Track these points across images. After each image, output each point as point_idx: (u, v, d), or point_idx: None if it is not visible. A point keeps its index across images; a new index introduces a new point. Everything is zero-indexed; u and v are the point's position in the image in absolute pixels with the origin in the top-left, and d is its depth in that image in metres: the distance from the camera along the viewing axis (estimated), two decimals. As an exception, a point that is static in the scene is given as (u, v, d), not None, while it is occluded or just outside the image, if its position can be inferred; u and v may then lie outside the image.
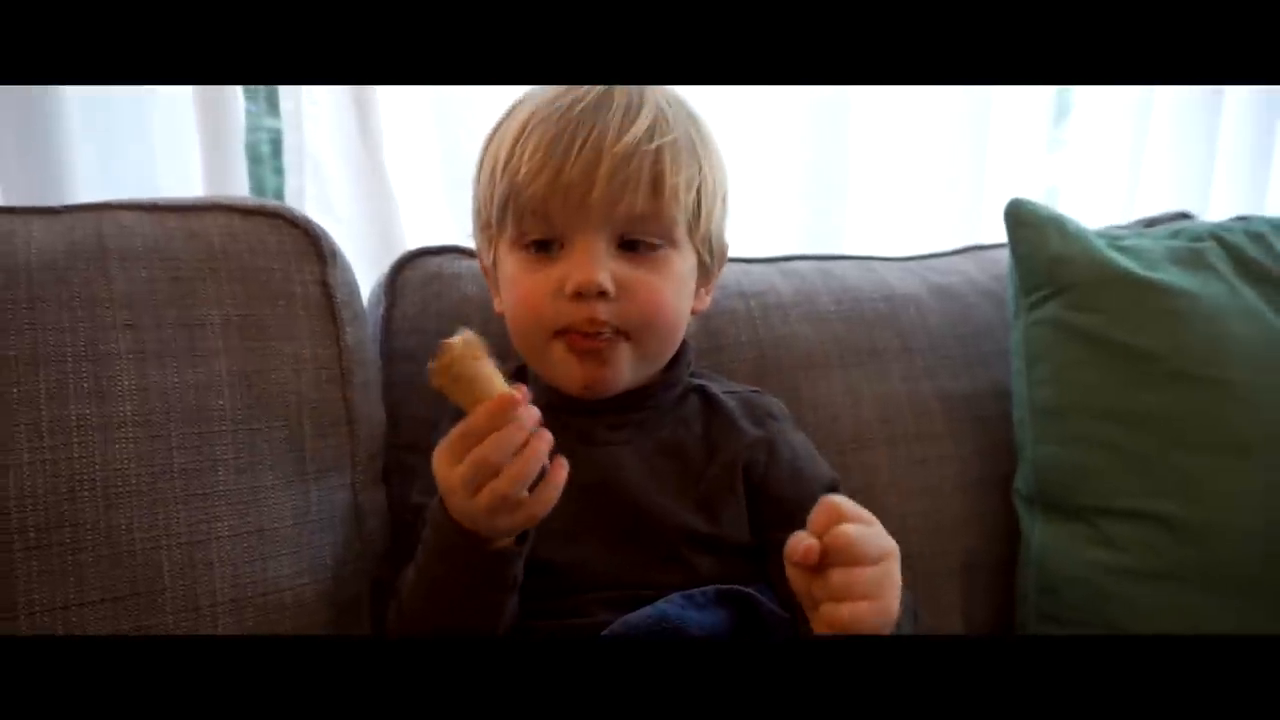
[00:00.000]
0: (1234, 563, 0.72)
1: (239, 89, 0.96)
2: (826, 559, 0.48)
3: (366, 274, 0.81)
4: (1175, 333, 0.75)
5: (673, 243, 0.63)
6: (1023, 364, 0.80)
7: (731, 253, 0.89)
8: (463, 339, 0.53)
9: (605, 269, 0.60)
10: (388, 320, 0.78)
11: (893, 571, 0.49)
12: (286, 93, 0.98)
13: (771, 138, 1.17)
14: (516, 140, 0.61)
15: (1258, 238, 0.81)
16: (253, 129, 1.05)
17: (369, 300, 0.80)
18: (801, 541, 0.48)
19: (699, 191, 0.64)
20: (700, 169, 0.64)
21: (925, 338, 0.87)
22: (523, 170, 0.60)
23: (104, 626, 0.56)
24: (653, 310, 0.62)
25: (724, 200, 0.68)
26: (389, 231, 1.01)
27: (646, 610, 0.55)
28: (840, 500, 0.50)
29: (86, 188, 0.89)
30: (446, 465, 0.54)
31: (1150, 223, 0.96)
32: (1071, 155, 1.37)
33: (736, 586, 0.59)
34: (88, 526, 0.57)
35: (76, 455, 0.57)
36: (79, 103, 0.89)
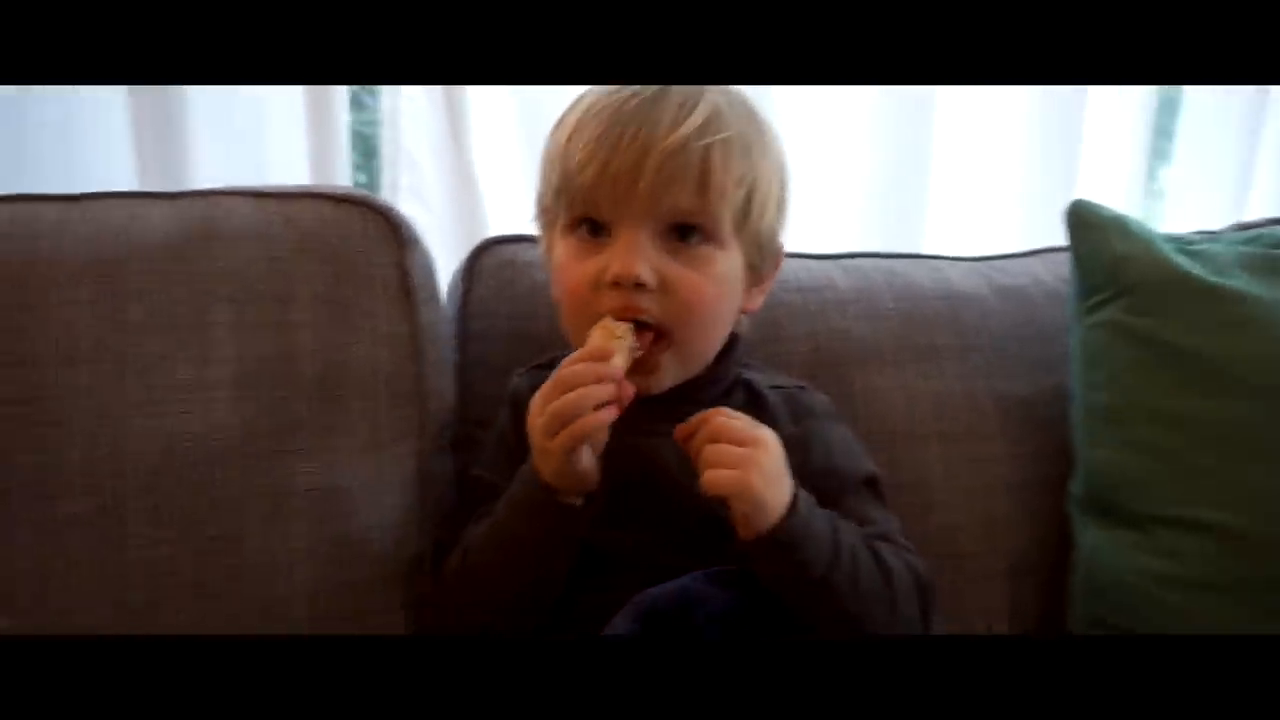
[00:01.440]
0: (1290, 577, 0.70)
1: (344, 91, 1.05)
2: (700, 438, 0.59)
3: (454, 261, 0.87)
4: (1239, 340, 0.73)
5: (718, 240, 0.64)
6: (1080, 366, 0.79)
7: (798, 249, 0.92)
8: (622, 323, 0.61)
9: (646, 261, 0.62)
10: (464, 304, 0.83)
11: (759, 456, 0.58)
12: (386, 93, 1.06)
13: (852, 134, 1.18)
14: (573, 131, 0.63)
15: (1343, 245, 0.78)
16: (356, 125, 1.14)
17: (449, 285, 0.86)
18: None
19: (750, 191, 0.64)
20: (754, 169, 0.64)
21: (986, 338, 0.86)
22: (576, 159, 0.62)
23: (193, 563, 0.64)
24: (693, 306, 0.63)
25: (780, 203, 0.69)
26: (475, 221, 1.07)
27: (670, 584, 0.58)
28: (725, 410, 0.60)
29: (207, 180, 0.99)
30: (537, 409, 0.59)
31: (1244, 227, 0.93)
32: (1179, 158, 1.33)
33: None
34: (184, 476, 0.64)
35: (179, 413, 0.65)
36: (203, 102, 0.99)
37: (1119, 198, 1.26)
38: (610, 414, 0.58)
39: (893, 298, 0.87)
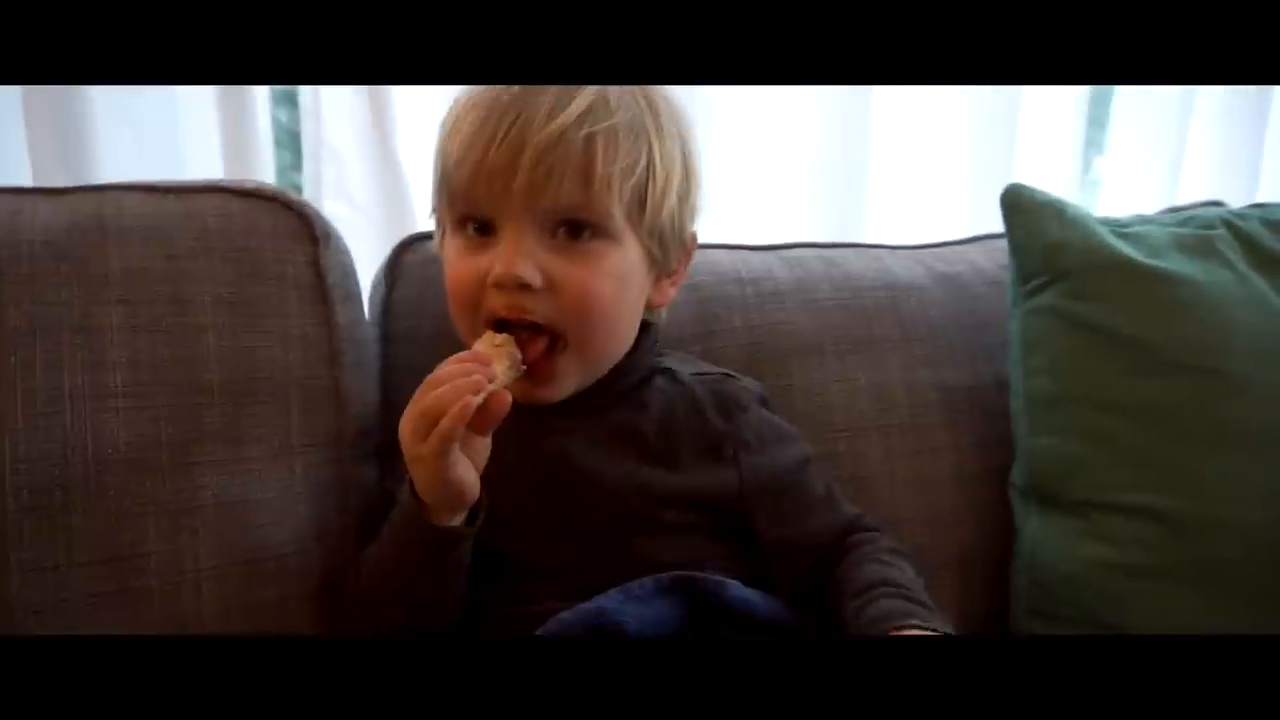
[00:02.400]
0: (1232, 560, 0.69)
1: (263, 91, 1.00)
2: None
3: (380, 259, 0.83)
4: (1176, 322, 0.73)
5: (609, 235, 0.60)
6: (1020, 353, 0.78)
7: (735, 239, 0.90)
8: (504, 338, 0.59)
9: (529, 260, 0.58)
10: (387, 304, 0.80)
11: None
12: (306, 91, 1.01)
13: (792, 125, 1.17)
14: (452, 127, 0.61)
15: (1274, 225, 0.78)
16: (286, 123, 1.09)
17: (371, 283, 0.82)
18: None
19: (643, 181, 0.60)
20: (646, 157, 0.60)
21: (926, 327, 0.85)
22: (453, 154, 0.59)
23: (90, 587, 0.59)
24: (585, 305, 0.60)
25: (683, 190, 0.64)
26: (403, 219, 1.03)
27: (584, 606, 0.55)
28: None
29: (110, 173, 0.93)
30: (405, 416, 0.56)
31: (1176, 210, 0.94)
32: (1112, 146, 1.34)
33: (684, 573, 0.58)
34: (78, 491, 0.59)
35: (69, 423, 0.60)
36: (108, 99, 0.93)
37: (1055, 185, 1.27)
38: (472, 408, 0.53)
39: (832, 288, 0.86)
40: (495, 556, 0.60)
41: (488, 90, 0.60)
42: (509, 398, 0.55)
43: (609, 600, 0.55)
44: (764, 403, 0.71)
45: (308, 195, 1.03)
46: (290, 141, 1.10)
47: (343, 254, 0.73)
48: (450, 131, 0.61)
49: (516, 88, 0.59)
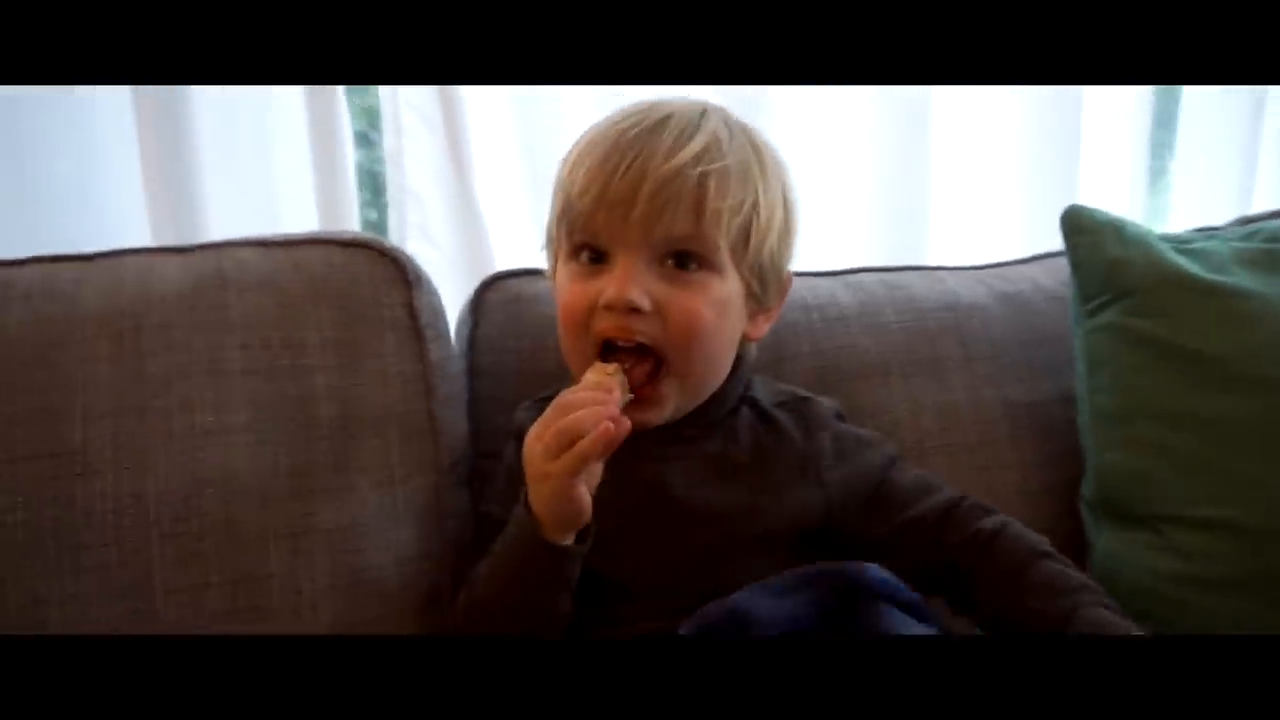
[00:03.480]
0: (1305, 572, 0.70)
1: (347, 130, 1.07)
2: None
3: (461, 297, 0.89)
4: (1239, 335, 0.73)
5: (715, 267, 0.65)
6: (1085, 370, 0.80)
7: (799, 266, 0.93)
8: (614, 366, 0.63)
9: (640, 285, 0.63)
10: (472, 340, 0.85)
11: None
12: (388, 131, 1.08)
13: (850, 147, 1.19)
14: (575, 161, 0.66)
15: (1341, 236, 0.78)
16: (365, 164, 1.17)
17: (456, 321, 0.88)
18: None
19: (749, 219, 0.65)
20: (753, 196, 0.65)
21: (989, 346, 0.87)
22: (577, 186, 0.64)
23: (224, 605, 0.65)
24: (689, 330, 0.64)
25: (784, 231, 0.69)
26: (481, 257, 1.10)
27: (721, 600, 0.58)
28: None
29: (218, 223, 1.02)
30: (535, 434, 0.60)
31: (1246, 221, 0.94)
32: (1181, 153, 1.33)
33: (824, 564, 0.60)
34: (209, 519, 0.66)
35: (200, 458, 0.67)
36: (212, 151, 1.02)
37: (1122, 197, 1.27)
38: (613, 433, 0.57)
39: (895, 311, 0.88)
40: (594, 577, 0.64)
41: (610, 128, 0.65)
42: (629, 425, 0.59)
43: (745, 595, 0.58)
44: (840, 418, 0.74)
45: (392, 237, 1.10)
46: (370, 182, 1.17)
47: (433, 296, 0.80)
48: (573, 165, 0.66)
49: (637, 129, 0.64)
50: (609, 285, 0.63)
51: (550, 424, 0.59)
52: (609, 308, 0.64)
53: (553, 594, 0.63)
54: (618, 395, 0.61)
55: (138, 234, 0.99)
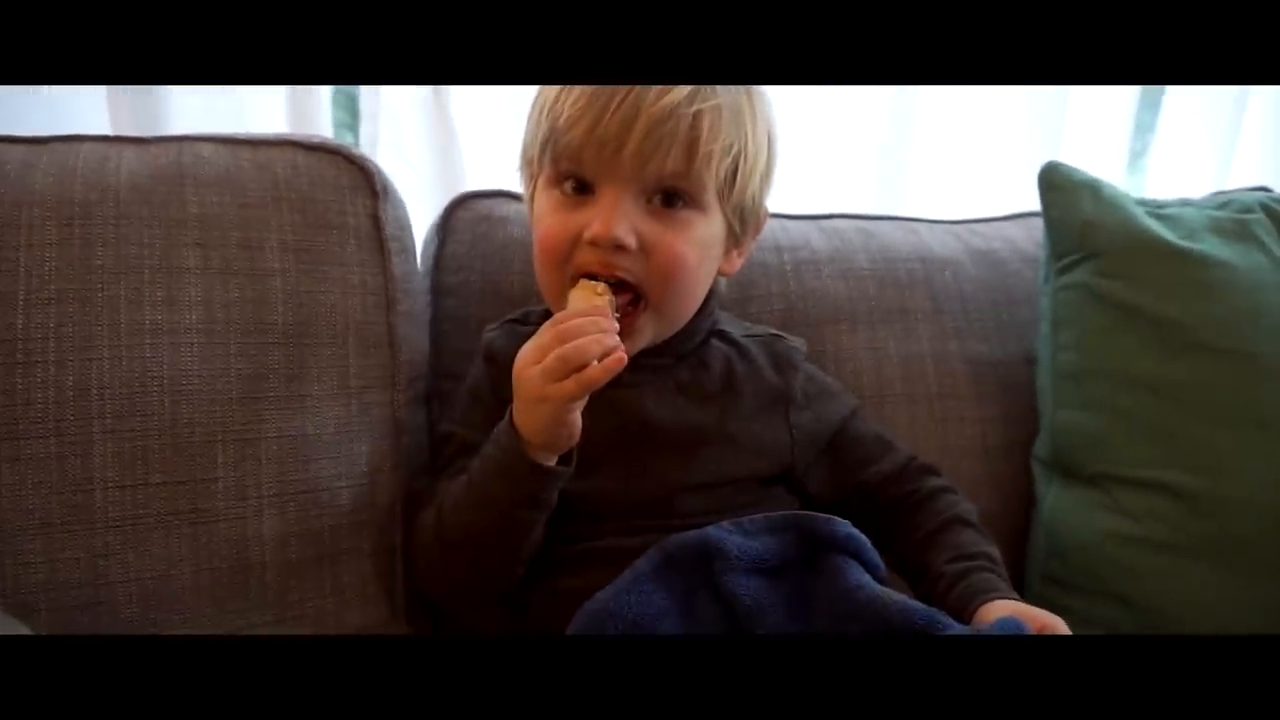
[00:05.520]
0: (1247, 539, 0.71)
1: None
2: None
3: (431, 216, 0.87)
4: (1205, 303, 0.74)
5: (700, 206, 0.65)
6: (1049, 328, 0.80)
7: (775, 208, 0.92)
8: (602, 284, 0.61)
9: (627, 223, 0.62)
10: (438, 257, 0.84)
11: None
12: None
13: (839, 98, 1.18)
14: (563, 87, 0.64)
15: (1313, 212, 0.79)
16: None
17: (424, 237, 0.86)
18: None
19: (737, 159, 0.65)
20: (743, 137, 0.65)
21: (959, 301, 0.87)
22: (564, 115, 0.62)
23: (164, 506, 0.64)
24: (671, 269, 0.64)
25: (766, 171, 0.69)
26: (455, 177, 1.07)
27: (694, 531, 0.59)
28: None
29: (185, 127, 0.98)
30: (532, 357, 0.59)
31: (1221, 194, 0.94)
32: (1163, 129, 1.33)
33: (797, 511, 0.62)
34: (155, 417, 0.64)
35: (148, 355, 0.65)
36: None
37: (1104, 166, 1.27)
38: (619, 363, 0.57)
39: (868, 259, 0.88)
40: (562, 496, 0.63)
41: None
42: (624, 354, 0.58)
43: (718, 528, 0.59)
44: (808, 360, 0.74)
45: (365, 151, 1.07)
46: (347, 101, 1.14)
47: (399, 208, 0.78)
48: (559, 93, 0.64)
49: None
50: (594, 220, 0.63)
51: (548, 348, 0.58)
52: (594, 243, 0.63)
53: (532, 516, 0.62)
54: (614, 321, 0.60)
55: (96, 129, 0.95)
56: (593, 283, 0.62)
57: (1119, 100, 1.27)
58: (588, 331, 0.58)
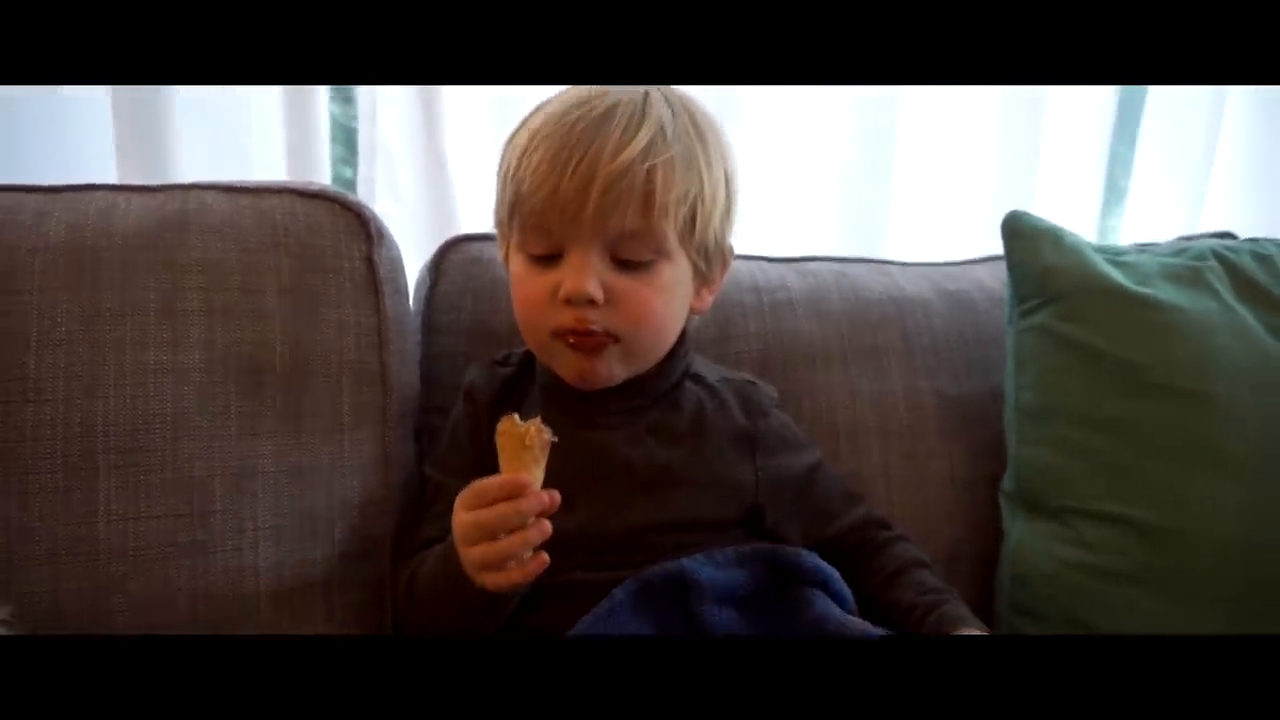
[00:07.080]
0: (1201, 572, 0.74)
1: (324, 89, 1.08)
2: None
3: (424, 254, 0.91)
4: (1159, 346, 0.77)
5: (664, 254, 0.68)
6: (1013, 367, 0.83)
7: (754, 251, 0.96)
8: (531, 425, 0.59)
9: (595, 279, 0.65)
10: (430, 297, 0.87)
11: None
12: (363, 91, 1.09)
13: (817, 140, 1.22)
14: (525, 151, 0.67)
15: (1263, 259, 0.83)
16: (341, 120, 1.17)
17: (417, 278, 0.90)
18: None
19: (694, 205, 0.67)
20: (698, 183, 0.67)
21: (929, 340, 0.91)
22: (527, 181, 0.66)
23: (165, 538, 0.67)
24: (639, 318, 0.67)
25: (726, 210, 0.71)
26: (447, 216, 1.11)
27: (667, 563, 0.62)
28: None
29: (189, 174, 1.02)
30: (460, 509, 0.61)
31: (1185, 239, 0.98)
32: (1140, 166, 1.36)
33: (765, 544, 0.66)
34: (157, 453, 0.68)
35: (152, 394, 0.68)
36: (185, 97, 1.02)
37: (1078, 207, 1.31)
38: (541, 565, 0.59)
39: (841, 299, 0.92)
40: None
41: (558, 120, 0.66)
42: (549, 529, 0.59)
43: (692, 560, 0.62)
44: (780, 408, 0.78)
45: (361, 192, 1.11)
46: (345, 137, 1.18)
47: (393, 251, 0.81)
48: (522, 156, 0.67)
49: (584, 122, 0.65)
50: (565, 279, 0.66)
51: (472, 537, 0.60)
52: (567, 301, 0.66)
53: (493, 619, 0.65)
54: (538, 475, 0.59)
55: (105, 176, 0.99)
56: (521, 427, 0.60)
57: (1092, 141, 1.31)
58: (511, 524, 0.59)
